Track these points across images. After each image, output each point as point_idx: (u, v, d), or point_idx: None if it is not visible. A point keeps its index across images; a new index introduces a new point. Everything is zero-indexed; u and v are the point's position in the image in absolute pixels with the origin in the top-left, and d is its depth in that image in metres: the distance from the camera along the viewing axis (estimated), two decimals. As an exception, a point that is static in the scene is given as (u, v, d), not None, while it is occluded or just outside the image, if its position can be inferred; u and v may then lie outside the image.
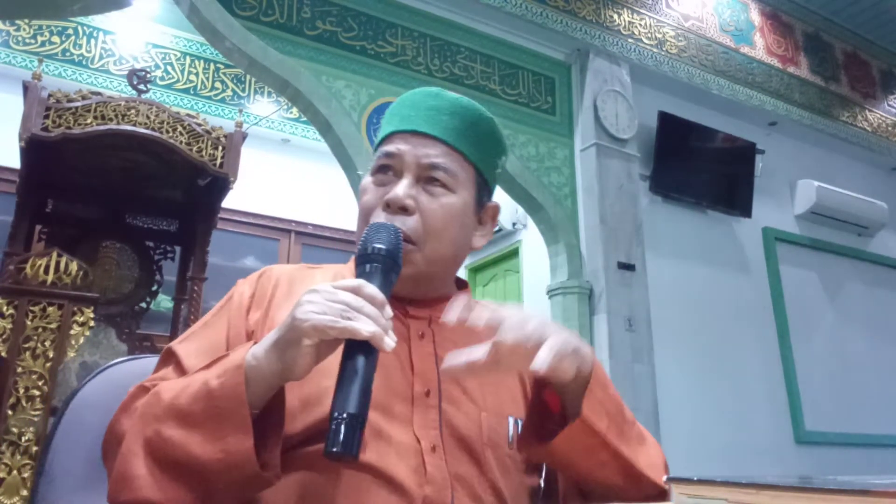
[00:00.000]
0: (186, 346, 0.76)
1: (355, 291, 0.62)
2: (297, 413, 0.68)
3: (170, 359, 0.75)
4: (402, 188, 0.75)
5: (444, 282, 0.84)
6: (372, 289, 0.62)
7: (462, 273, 5.31)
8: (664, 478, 0.68)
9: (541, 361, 0.61)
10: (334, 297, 0.61)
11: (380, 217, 0.75)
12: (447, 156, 0.78)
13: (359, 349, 0.61)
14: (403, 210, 0.75)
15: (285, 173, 5.27)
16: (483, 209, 0.83)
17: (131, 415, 0.67)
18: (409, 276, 0.74)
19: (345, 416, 0.58)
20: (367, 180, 0.80)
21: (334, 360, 0.63)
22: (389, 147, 0.79)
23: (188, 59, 4.95)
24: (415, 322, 0.78)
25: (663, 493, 0.69)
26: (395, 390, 0.71)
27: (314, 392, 0.69)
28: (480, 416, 0.73)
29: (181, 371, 0.73)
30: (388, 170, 0.78)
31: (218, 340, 0.75)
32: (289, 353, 0.61)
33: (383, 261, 0.67)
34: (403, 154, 0.77)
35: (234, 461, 0.60)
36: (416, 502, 0.65)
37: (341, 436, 0.57)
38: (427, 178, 0.77)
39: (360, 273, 0.67)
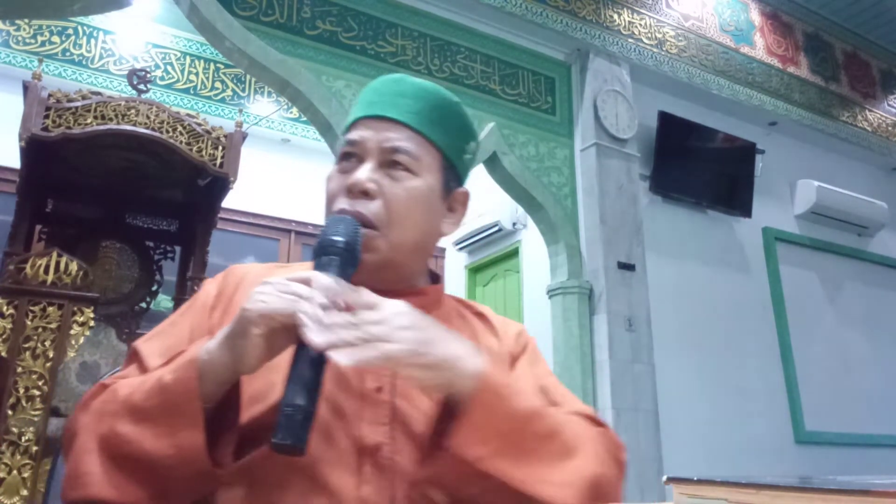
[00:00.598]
0: (150, 345, 0.75)
1: (307, 283, 0.61)
2: (243, 408, 0.67)
3: (133, 357, 0.75)
4: (363, 172, 0.74)
5: (410, 271, 0.81)
6: (325, 279, 0.62)
7: (462, 273, 5.33)
8: (577, 498, 0.63)
9: (344, 356, 0.57)
10: (286, 288, 0.60)
11: (342, 203, 0.74)
12: (410, 139, 0.76)
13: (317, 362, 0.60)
14: (365, 194, 0.74)
15: (285, 173, 5.27)
16: (451, 195, 0.82)
17: (87, 412, 0.67)
18: (372, 263, 0.72)
19: (292, 407, 0.57)
20: (332, 169, 0.80)
21: (286, 356, 0.61)
22: (352, 135, 0.78)
23: (188, 59, 4.95)
24: None
25: None
26: (345, 386, 0.70)
27: (261, 387, 0.67)
28: (433, 411, 0.69)
29: (143, 369, 0.72)
30: (351, 157, 0.78)
31: (181, 339, 0.75)
32: (238, 345, 0.61)
33: (340, 253, 0.66)
34: (366, 140, 0.76)
35: (185, 456, 0.60)
36: (350, 501, 0.64)
37: (288, 427, 0.56)
38: (390, 162, 0.76)
39: (316, 266, 0.66)
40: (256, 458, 0.65)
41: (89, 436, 0.64)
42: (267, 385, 0.67)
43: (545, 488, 0.62)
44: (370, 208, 0.73)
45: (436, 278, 0.87)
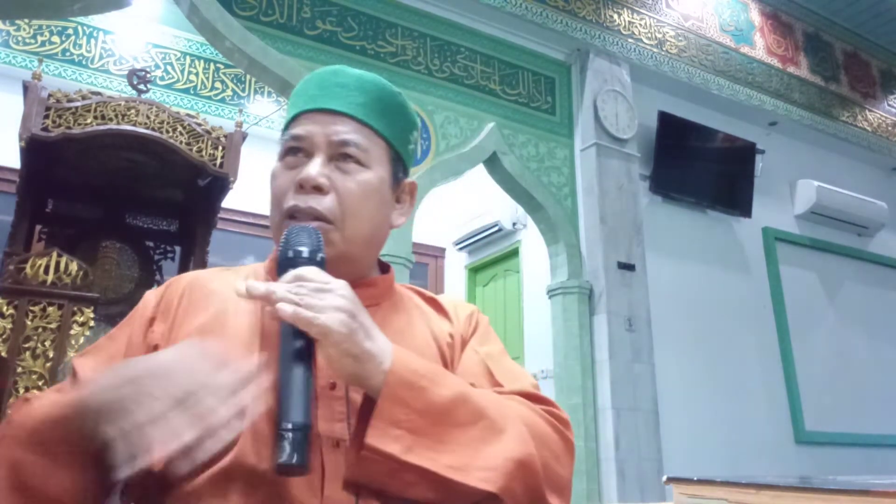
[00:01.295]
0: (85, 360, 0.73)
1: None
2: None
3: (72, 373, 0.73)
4: (314, 167, 0.73)
5: (363, 264, 0.80)
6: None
7: (462, 273, 5.33)
8: (502, 478, 0.62)
9: (286, 307, 0.59)
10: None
11: (293, 200, 0.73)
12: (358, 132, 0.75)
13: (296, 356, 0.60)
14: (317, 189, 0.72)
15: (285, 173, 5.27)
16: (399, 186, 0.81)
17: (2, 435, 0.64)
18: (328, 257, 0.70)
19: (291, 426, 0.56)
20: (277, 165, 0.78)
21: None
22: (296, 129, 0.76)
23: (188, 59, 4.95)
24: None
25: (492, 497, 0.62)
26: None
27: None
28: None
29: (76, 385, 0.70)
30: (297, 152, 0.76)
31: (117, 352, 0.73)
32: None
33: (306, 264, 0.66)
34: (313, 134, 0.75)
35: (82, 496, 0.58)
36: (311, 501, 0.62)
37: (291, 448, 0.55)
38: (339, 155, 0.75)
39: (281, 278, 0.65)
40: (214, 474, 0.62)
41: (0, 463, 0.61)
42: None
43: (469, 474, 0.61)
44: (324, 203, 0.72)
45: (385, 268, 0.86)
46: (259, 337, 0.71)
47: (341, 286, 0.63)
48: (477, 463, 0.62)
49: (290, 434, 0.56)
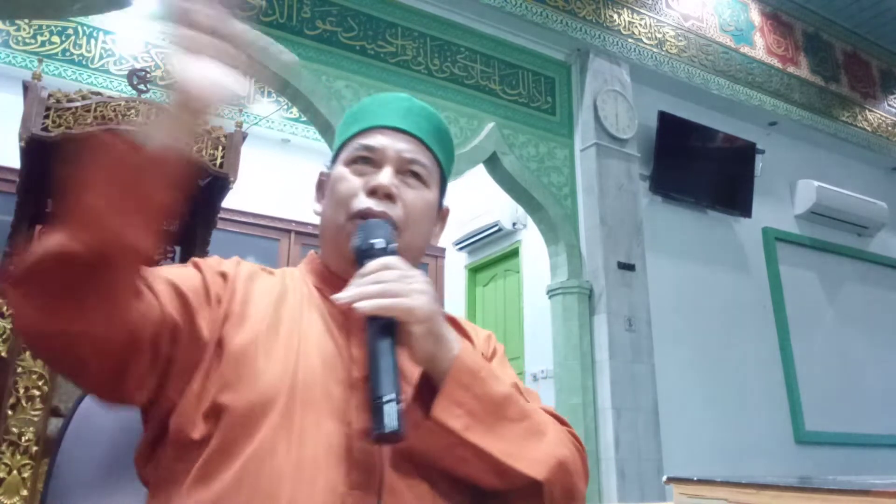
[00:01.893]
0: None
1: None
2: (212, 390, 0.67)
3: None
4: (386, 177, 0.79)
5: None
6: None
7: (462, 273, 5.33)
8: (546, 472, 0.68)
9: (364, 304, 0.64)
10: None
11: (366, 202, 0.77)
12: (422, 153, 0.82)
13: (382, 334, 0.65)
14: (388, 197, 0.78)
15: (285, 173, 5.27)
16: (441, 210, 0.88)
17: None
18: None
19: (387, 397, 0.61)
20: (343, 170, 0.82)
21: (272, 358, 0.67)
22: (369, 140, 0.81)
23: (188, 59, 4.94)
24: (355, 316, 0.76)
25: (536, 485, 0.68)
26: (334, 375, 0.72)
27: (232, 377, 0.68)
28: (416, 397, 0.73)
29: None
30: (366, 161, 0.81)
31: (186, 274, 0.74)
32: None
33: (381, 255, 0.71)
34: (384, 147, 0.81)
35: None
36: (340, 487, 0.65)
37: (389, 417, 0.60)
38: (406, 171, 0.81)
39: (361, 264, 0.70)
40: (246, 450, 0.64)
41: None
42: (236, 376, 0.68)
43: (519, 462, 0.68)
44: (394, 210, 0.78)
45: None
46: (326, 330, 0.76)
47: (421, 274, 0.70)
48: (524, 453, 0.69)
49: (387, 404, 0.61)
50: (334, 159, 0.86)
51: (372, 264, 0.68)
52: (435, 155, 0.84)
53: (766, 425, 3.81)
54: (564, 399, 3.26)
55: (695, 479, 0.51)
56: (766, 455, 3.70)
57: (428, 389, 0.69)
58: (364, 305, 0.64)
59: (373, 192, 0.78)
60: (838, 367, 4.28)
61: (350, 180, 0.80)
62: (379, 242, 0.72)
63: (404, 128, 0.82)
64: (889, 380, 4.49)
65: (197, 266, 0.77)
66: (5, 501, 2.27)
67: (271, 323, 0.74)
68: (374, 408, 0.62)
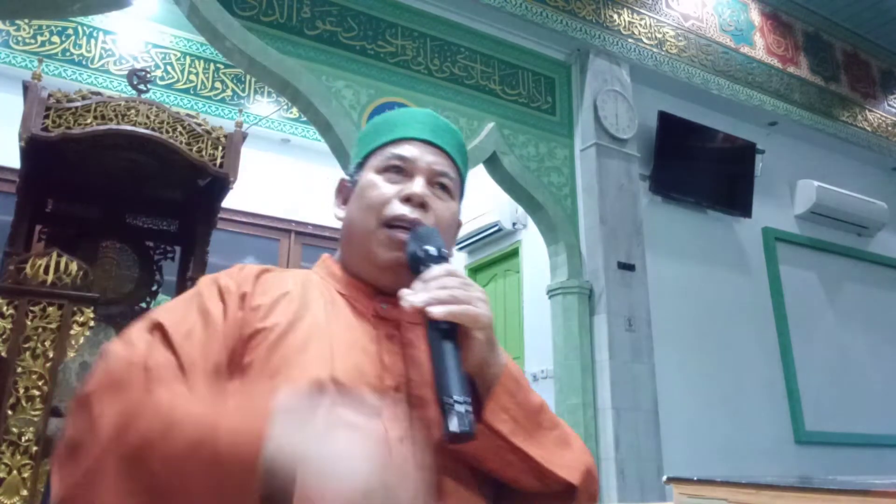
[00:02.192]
0: (171, 319, 0.70)
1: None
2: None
3: (155, 329, 0.69)
4: (420, 186, 0.81)
5: None
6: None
7: (462, 273, 5.31)
8: (579, 478, 0.74)
9: (437, 309, 0.66)
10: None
11: (400, 209, 0.80)
12: (450, 166, 0.86)
13: (445, 337, 0.67)
14: (422, 206, 0.81)
15: (285, 173, 5.27)
16: (457, 222, 0.91)
17: (116, 400, 0.60)
18: None
19: (455, 399, 0.64)
20: (374, 177, 0.84)
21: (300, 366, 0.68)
22: (401, 150, 0.84)
23: (188, 59, 4.95)
24: (384, 323, 0.80)
25: (571, 489, 0.73)
26: (367, 383, 0.73)
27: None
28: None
29: (169, 345, 0.67)
30: (398, 170, 0.83)
31: (207, 323, 0.72)
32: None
33: (437, 261, 0.74)
34: (416, 158, 0.83)
35: None
36: (378, 490, 0.64)
37: (458, 417, 0.63)
38: (435, 182, 0.84)
39: (414, 271, 0.73)
40: None
41: (110, 446, 0.56)
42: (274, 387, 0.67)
43: (557, 467, 0.73)
44: (427, 219, 0.81)
45: None
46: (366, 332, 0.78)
47: (476, 284, 0.73)
48: (558, 460, 0.74)
49: (457, 405, 0.63)
50: (359, 167, 0.87)
51: (435, 270, 0.70)
52: (459, 169, 0.88)
53: (766, 425, 3.81)
54: (564, 399, 3.26)
55: (695, 479, 0.51)
56: (766, 455, 3.70)
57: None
58: (437, 310, 0.67)
59: (407, 200, 0.80)
60: (838, 367, 4.28)
61: (382, 187, 0.82)
62: (433, 250, 0.74)
63: (434, 141, 0.85)
64: (889, 380, 4.49)
65: (221, 295, 0.75)
66: (5, 501, 2.27)
67: (302, 332, 0.74)
68: (446, 408, 0.64)
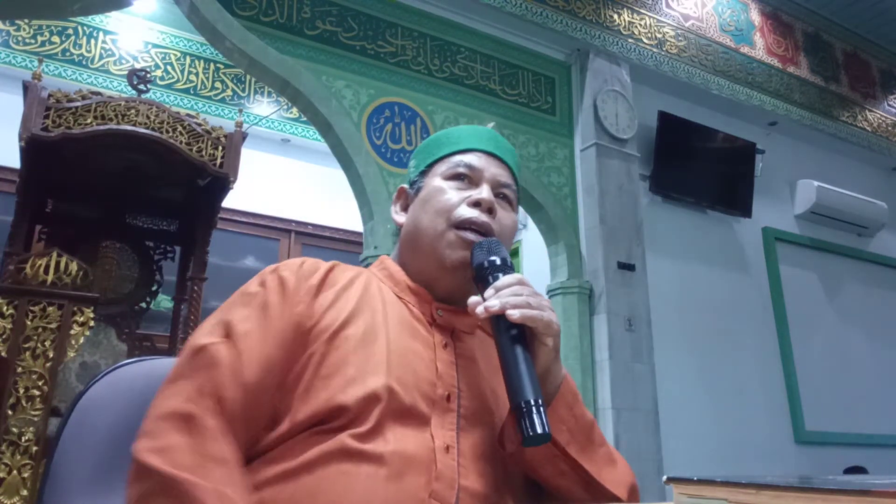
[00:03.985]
0: (243, 324, 0.73)
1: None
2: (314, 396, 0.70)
3: (225, 329, 0.73)
4: (488, 193, 0.85)
5: None
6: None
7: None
8: (626, 494, 0.76)
9: (515, 312, 0.69)
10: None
11: (468, 213, 0.83)
12: (511, 179, 0.90)
13: (516, 341, 0.69)
14: (490, 212, 0.84)
15: (285, 173, 5.28)
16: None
17: (191, 402, 0.66)
18: None
19: (531, 402, 0.65)
20: (443, 183, 0.87)
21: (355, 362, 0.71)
22: (469, 159, 0.88)
23: (188, 59, 4.95)
24: (440, 331, 0.82)
25: (617, 502, 0.76)
26: (420, 390, 0.74)
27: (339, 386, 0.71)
28: (495, 423, 0.78)
29: (234, 345, 0.71)
30: (464, 178, 0.87)
31: (276, 327, 0.74)
32: None
33: (504, 269, 0.77)
34: (483, 168, 0.87)
35: None
36: (421, 494, 0.67)
37: (539, 419, 0.64)
38: (498, 193, 0.87)
39: (480, 280, 0.77)
40: (332, 453, 0.67)
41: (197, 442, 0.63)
42: (333, 387, 0.70)
43: (607, 481, 0.75)
44: (494, 224, 0.84)
45: None
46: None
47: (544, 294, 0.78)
48: (607, 475, 0.76)
49: (533, 408, 0.65)
50: (422, 174, 0.90)
51: (509, 278, 0.73)
52: (517, 184, 0.92)
53: (766, 425, 3.81)
54: (564, 399, 3.26)
55: (695, 479, 0.51)
56: (766, 455, 3.70)
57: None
58: (515, 314, 0.69)
59: (476, 205, 0.83)
60: (838, 367, 4.28)
61: (450, 192, 0.85)
62: (498, 260, 0.77)
63: (498, 154, 0.90)
64: (889, 380, 4.49)
65: (281, 288, 0.77)
66: (5, 501, 2.27)
67: (360, 332, 0.75)
68: (521, 412, 0.65)
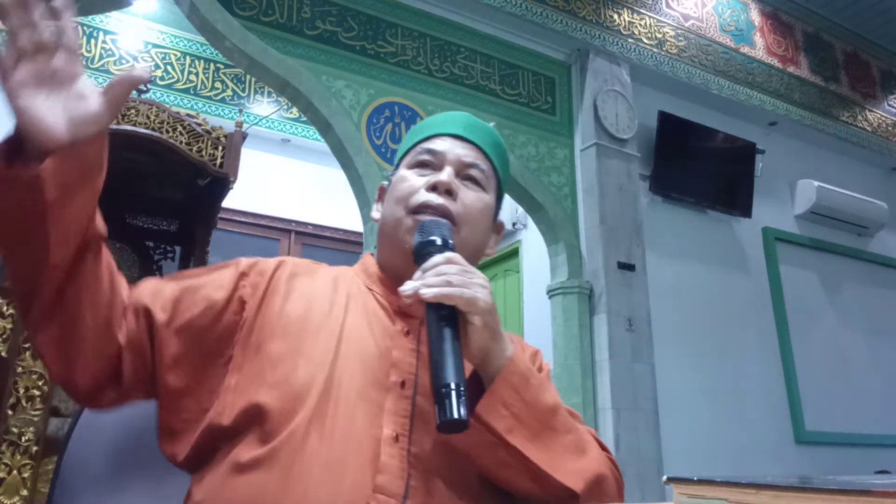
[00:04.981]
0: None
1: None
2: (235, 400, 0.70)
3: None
4: (446, 175, 0.83)
5: None
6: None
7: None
8: (583, 486, 0.69)
9: (428, 291, 0.65)
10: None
11: (424, 197, 0.81)
12: (481, 159, 0.87)
13: (444, 323, 0.66)
14: (448, 193, 0.82)
15: (285, 173, 5.28)
16: (496, 221, 0.91)
17: None
18: None
19: (450, 386, 0.61)
20: (405, 172, 0.86)
21: (315, 350, 0.70)
22: (431, 145, 0.87)
23: (188, 59, 4.95)
24: (403, 319, 0.80)
25: (574, 497, 0.69)
26: (370, 378, 0.73)
27: (284, 373, 0.71)
28: None
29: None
30: (427, 164, 0.86)
31: (193, 281, 0.78)
32: None
33: (440, 250, 0.73)
34: (445, 151, 0.86)
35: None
36: (364, 490, 0.65)
37: (453, 405, 0.60)
38: (465, 174, 0.85)
39: (418, 261, 0.73)
40: (281, 443, 0.66)
41: None
42: (273, 375, 0.70)
43: (558, 472, 0.69)
44: (453, 206, 0.82)
45: None
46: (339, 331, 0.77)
47: (479, 272, 0.71)
48: (565, 464, 0.70)
49: (453, 392, 0.61)
50: (396, 167, 0.90)
51: (434, 259, 0.70)
52: (493, 164, 0.88)
53: (766, 425, 3.81)
54: (564, 399, 3.23)
55: (695, 479, 0.51)
56: (766, 455, 3.70)
57: (476, 388, 0.69)
58: (427, 292, 0.65)
59: (433, 188, 0.82)
60: (838, 367, 4.28)
61: (411, 180, 0.85)
62: (437, 240, 0.74)
63: (465, 135, 0.87)
64: (889, 380, 4.49)
65: (235, 265, 0.81)
66: (5, 501, 2.27)
67: (312, 322, 0.75)
68: (439, 396, 0.61)
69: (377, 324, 0.78)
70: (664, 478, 0.53)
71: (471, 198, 0.84)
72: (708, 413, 3.59)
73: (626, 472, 2.96)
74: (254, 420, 0.68)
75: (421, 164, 0.86)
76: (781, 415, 3.92)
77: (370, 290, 0.83)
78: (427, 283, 0.66)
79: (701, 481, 0.50)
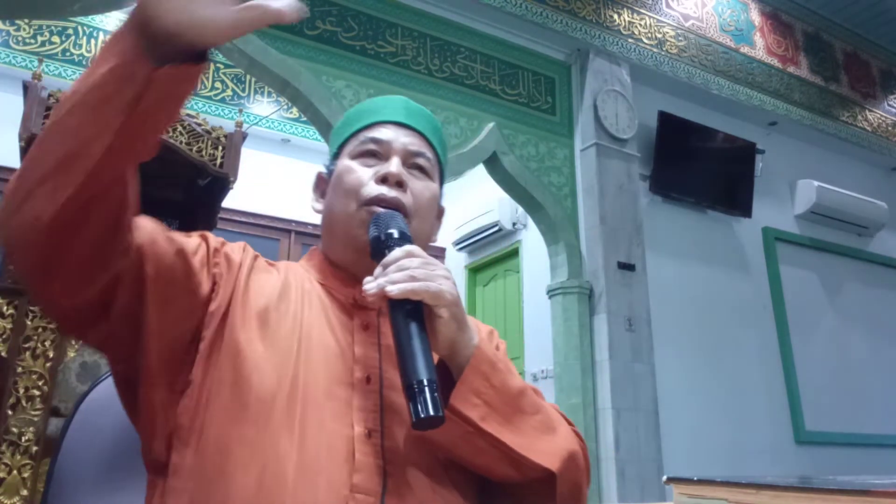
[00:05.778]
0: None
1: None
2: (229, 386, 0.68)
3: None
4: (396, 166, 0.81)
5: None
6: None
7: (462, 273, 5.33)
8: (559, 464, 0.69)
9: (393, 288, 0.64)
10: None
11: (375, 189, 0.79)
12: (426, 147, 0.85)
13: (410, 318, 0.65)
14: (399, 185, 0.80)
15: (285, 173, 5.28)
16: (439, 207, 0.90)
17: None
18: None
19: (423, 383, 0.61)
20: (350, 162, 0.84)
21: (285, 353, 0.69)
22: (376, 134, 0.84)
23: (188, 59, 4.95)
24: (361, 313, 0.79)
25: (546, 480, 0.69)
26: (335, 376, 0.71)
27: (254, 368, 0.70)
28: None
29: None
30: (373, 154, 0.83)
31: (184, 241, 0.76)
32: None
33: (398, 243, 0.71)
34: (391, 140, 0.83)
35: (116, 72, 0.55)
36: (342, 490, 0.64)
37: (428, 402, 0.60)
38: (411, 163, 0.83)
39: (375, 256, 0.71)
40: (248, 448, 0.64)
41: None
42: (236, 376, 0.68)
43: (534, 453, 0.69)
44: (405, 198, 0.80)
45: None
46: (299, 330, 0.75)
47: (441, 263, 0.70)
48: (538, 445, 0.70)
49: (426, 388, 0.60)
50: (335, 157, 0.87)
51: (395, 253, 0.68)
52: (436, 151, 0.87)
53: (766, 425, 3.81)
54: (564, 399, 3.26)
55: (695, 479, 0.51)
56: (766, 455, 3.70)
57: (444, 379, 0.68)
58: (392, 289, 0.64)
59: (383, 180, 0.80)
60: (838, 367, 4.28)
61: (358, 171, 0.82)
62: (395, 232, 0.73)
63: (408, 123, 0.85)
64: (889, 380, 4.49)
65: (204, 239, 0.80)
66: (5, 501, 2.27)
67: (272, 321, 0.73)
68: (411, 393, 0.61)
69: (335, 320, 0.76)
70: (664, 478, 0.53)
71: (419, 188, 0.82)
72: (708, 413, 3.59)
73: (626, 472, 2.95)
74: (220, 423, 0.66)
75: (366, 154, 0.83)
76: (781, 415, 3.92)
77: (322, 285, 0.81)
78: (391, 279, 0.65)
79: (701, 481, 0.50)
